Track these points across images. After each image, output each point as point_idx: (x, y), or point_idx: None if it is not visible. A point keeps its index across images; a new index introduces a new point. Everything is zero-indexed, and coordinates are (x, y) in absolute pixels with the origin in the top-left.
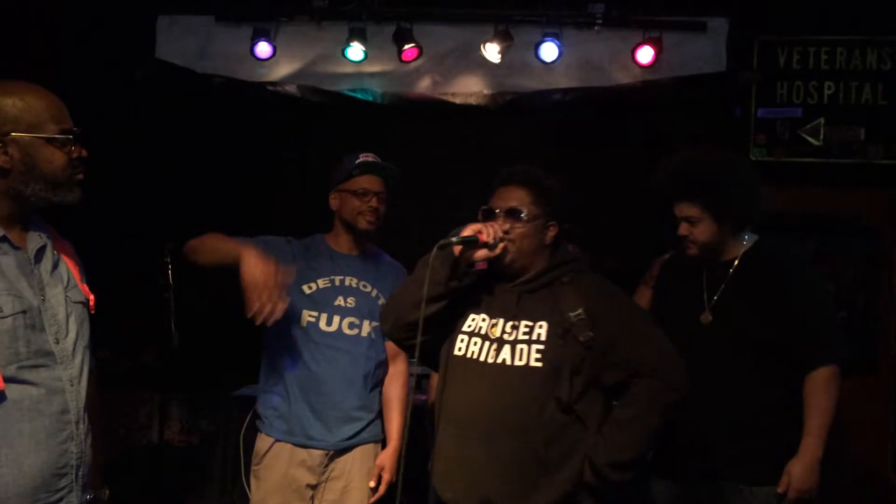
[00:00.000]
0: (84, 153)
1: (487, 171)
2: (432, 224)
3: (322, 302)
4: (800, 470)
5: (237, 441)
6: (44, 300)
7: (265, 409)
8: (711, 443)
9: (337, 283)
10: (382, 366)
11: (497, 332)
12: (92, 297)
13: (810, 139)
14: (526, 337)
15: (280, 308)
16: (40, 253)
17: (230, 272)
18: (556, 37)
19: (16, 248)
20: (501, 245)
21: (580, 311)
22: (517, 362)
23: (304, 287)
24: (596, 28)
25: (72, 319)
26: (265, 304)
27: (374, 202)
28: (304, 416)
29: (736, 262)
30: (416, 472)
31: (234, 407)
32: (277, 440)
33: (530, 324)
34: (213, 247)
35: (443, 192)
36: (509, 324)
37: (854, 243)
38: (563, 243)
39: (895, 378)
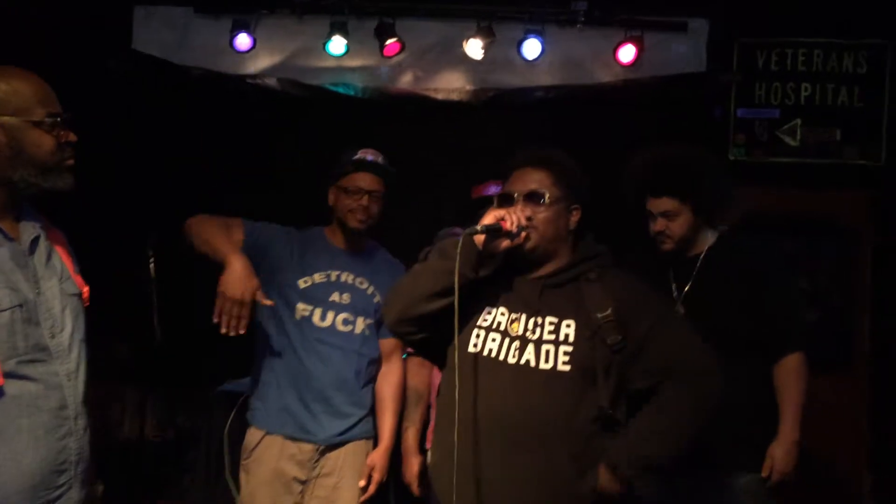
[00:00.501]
0: (73, 137)
1: (469, 168)
2: (412, 219)
3: (317, 297)
4: (781, 452)
5: (221, 437)
6: (39, 293)
7: (256, 400)
8: None
9: (333, 278)
10: (375, 363)
11: (518, 329)
12: (86, 288)
13: (787, 139)
14: (552, 336)
15: (243, 325)
16: (34, 244)
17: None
18: (538, 34)
19: (10, 239)
20: (524, 234)
21: (608, 311)
22: (543, 365)
23: (300, 281)
24: (578, 26)
25: (67, 312)
26: (231, 319)
27: (364, 201)
28: (295, 408)
29: (702, 256)
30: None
31: (218, 402)
32: (268, 433)
33: (555, 321)
34: (206, 237)
35: (424, 188)
36: (532, 320)
37: (830, 244)
38: (588, 232)
39: (869, 377)
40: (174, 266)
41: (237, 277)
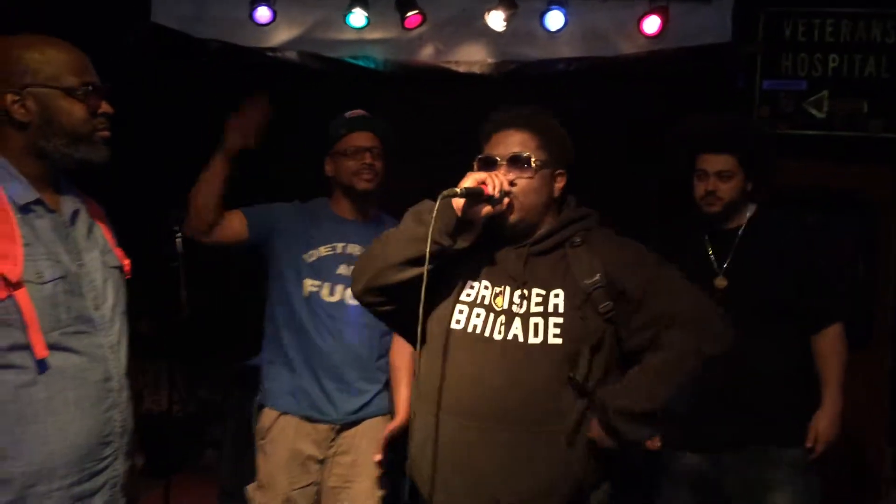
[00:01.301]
0: (109, 108)
1: None
2: (433, 193)
3: (324, 271)
4: (825, 423)
5: (246, 412)
6: (81, 265)
7: (269, 381)
8: (737, 408)
9: (339, 250)
10: (388, 335)
11: (503, 303)
12: (127, 262)
13: (814, 112)
14: (540, 309)
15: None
16: (75, 216)
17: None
18: (561, 5)
19: (50, 211)
20: (507, 200)
21: (597, 276)
22: (532, 339)
23: (306, 255)
24: None
25: (109, 285)
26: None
27: (367, 158)
28: (309, 388)
29: (743, 227)
30: None
31: (247, 376)
32: (283, 413)
33: (543, 292)
34: (199, 188)
35: (445, 162)
36: (517, 293)
37: (854, 218)
38: (571, 198)
39: (892, 352)
40: (225, 247)
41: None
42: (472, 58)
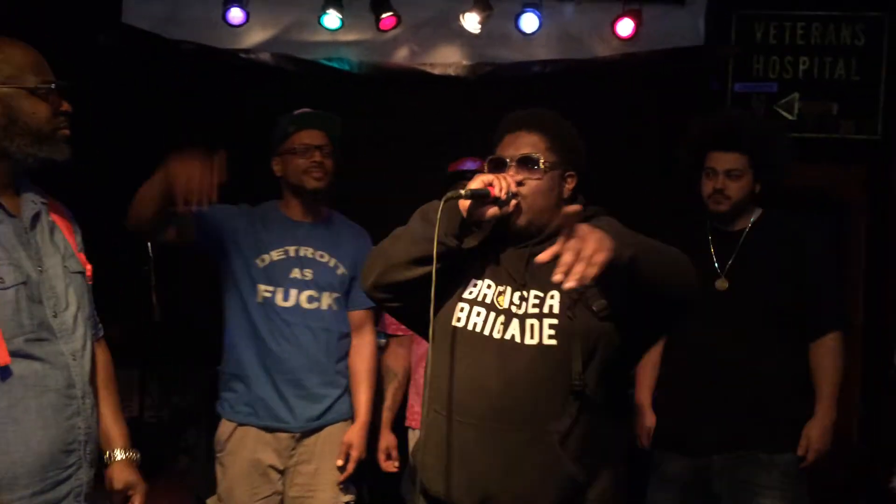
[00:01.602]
0: (68, 107)
1: (465, 142)
2: (410, 196)
3: (277, 276)
4: (818, 433)
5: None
6: (42, 271)
7: (226, 391)
8: (729, 412)
9: (291, 253)
10: (346, 337)
11: (504, 303)
12: (89, 266)
13: (785, 114)
14: (536, 310)
15: (212, 191)
16: (35, 220)
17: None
18: (536, 8)
19: (11, 215)
20: (514, 202)
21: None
22: (528, 340)
23: (257, 260)
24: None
25: (70, 290)
26: (195, 189)
27: (317, 157)
28: (267, 397)
29: (747, 230)
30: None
31: (215, 383)
32: (240, 424)
33: (541, 294)
34: (142, 194)
35: (420, 164)
36: (517, 294)
37: (825, 218)
38: (581, 198)
39: (862, 350)
40: (172, 246)
41: (180, 159)
42: (448, 60)
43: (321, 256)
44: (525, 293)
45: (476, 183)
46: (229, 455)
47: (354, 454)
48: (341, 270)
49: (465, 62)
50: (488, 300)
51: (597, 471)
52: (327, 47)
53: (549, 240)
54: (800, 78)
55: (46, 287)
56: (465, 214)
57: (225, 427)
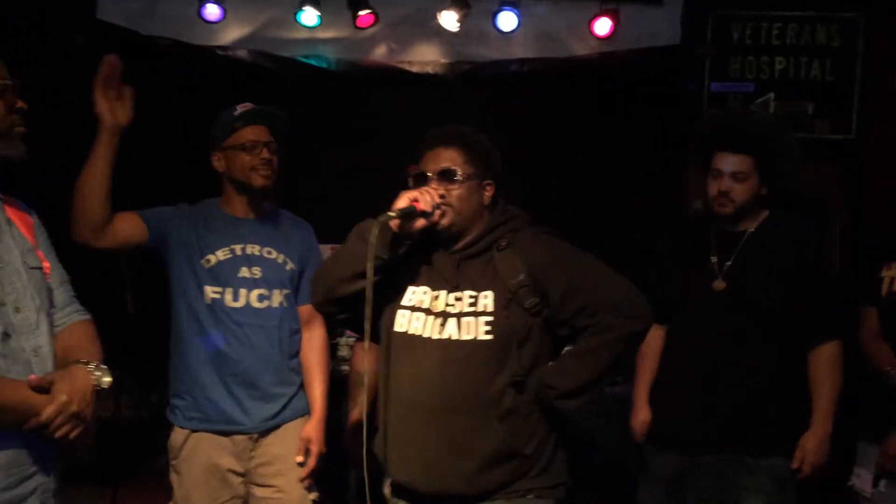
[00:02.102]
0: (23, 104)
1: None
2: (385, 193)
3: (225, 276)
4: (814, 444)
5: None
6: (1, 267)
7: (176, 398)
8: (718, 413)
9: (238, 252)
10: (297, 334)
11: (440, 306)
12: (47, 263)
13: None
14: (472, 308)
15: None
16: None
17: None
18: (513, 6)
19: None
20: (439, 212)
21: (521, 276)
22: (465, 336)
23: (203, 261)
24: None
25: (31, 286)
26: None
27: (265, 153)
28: (221, 400)
29: (750, 232)
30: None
31: None
32: (193, 431)
33: (475, 294)
34: (82, 173)
35: (397, 162)
36: (452, 295)
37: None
38: (501, 202)
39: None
40: (121, 251)
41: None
42: (426, 58)
43: (269, 253)
44: (459, 294)
45: (403, 202)
46: (184, 462)
47: (314, 449)
48: (290, 266)
49: (443, 60)
50: (425, 305)
51: (539, 445)
52: (305, 44)
53: (472, 245)
54: (776, 78)
55: (7, 283)
56: (396, 230)
57: (177, 434)
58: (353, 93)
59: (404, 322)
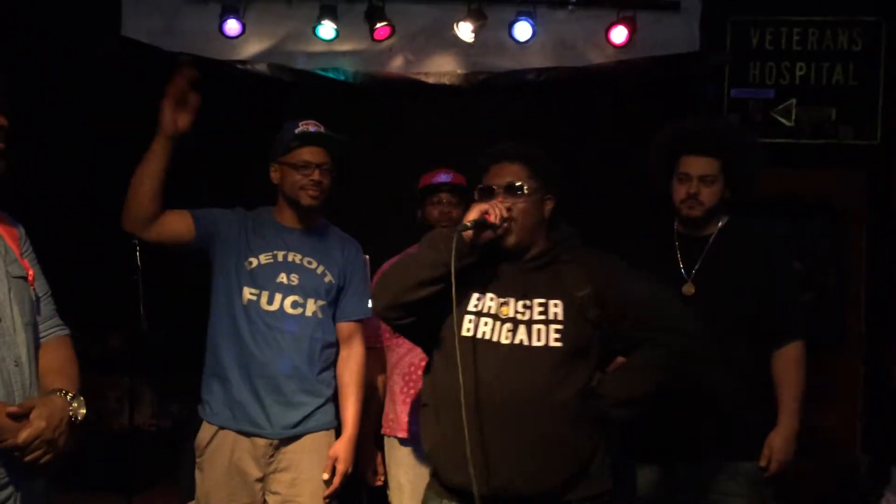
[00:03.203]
0: (4, 122)
1: (461, 151)
2: (405, 204)
3: (263, 279)
4: (780, 443)
5: None
6: None
7: (206, 394)
8: (693, 420)
9: (280, 258)
10: (332, 347)
11: (509, 312)
12: (31, 271)
13: (782, 120)
14: (542, 317)
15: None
16: None
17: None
18: (529, 16)
19: None
20: (506, 225)
21: (588, 289)
22: (535, 343)
23: (246, 263)
24: (570, 7)
25: (12, 296)
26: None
27: (316, 175)
28: (245, 401)
29: (714, 236)
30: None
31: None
32: (221, 427)
33: (544, 302)
34: (135, 176)
35: (416, 172)
36: (521, 303)
37: (824, 224)
38: (558, 216)
39: (863, 359)
40: (160, 256)
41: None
42: (442, 69)
43: (309, 263)
44: (528, 301)
45: (474, 213)
46: (208, 460)
47: (341, 468)
48: (329, 278)
49: (459, 71)
50: (493, 311)
51: (595, 446)
52: (323, 58)
53: (539, 257)
54: (797, 84)
55: None
56: (468, 240)
57: (206, 431)
58: (370, 104)
59: (472, 327)
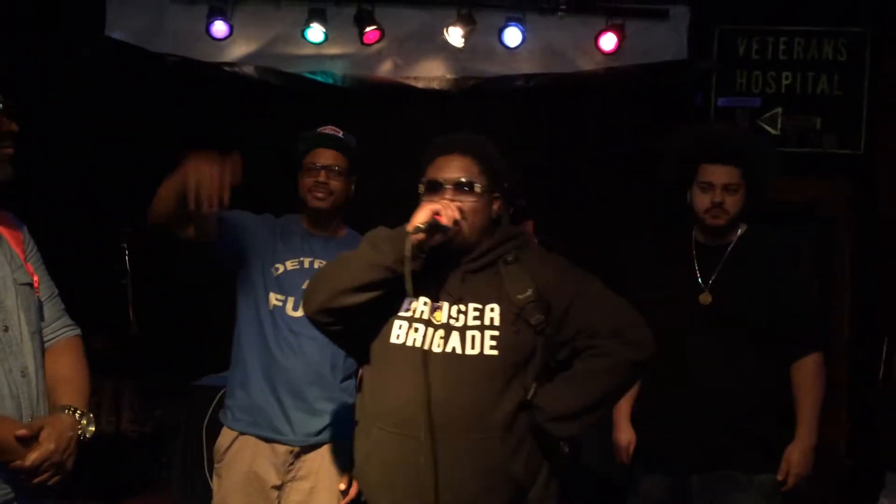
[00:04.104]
0: (14, 127)
1: None
2: (392, 209)
3: (289, 285)
4: (798, 456)
5: (199, 431)
6: None
7: (229, 399)
8: (707, 430)
9: (305, 265)
10: None
11: (442, 318)
12: (36, 278)
13: (768, 128)
14: (477, 322)
15: (224, 195)
16: None
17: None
18: (519, 21)
19: None
20: (456, 227)
21: (529, 292)
22: (469, 351)
23: (272, 269)
24: (559, 14)
25: (20, 304)
26: (206, 190)
27: (322, 177)
28: (268, 406)
29: (732, 245)
30: None
31: (196, 396)
32: (241, 433)
33: (479, 307)
34: (161, 193)
35: (403, 177)
36: (455, 307)
37: (810, 231)
38: (505, 217)
39: (849, 365)
40: (150, 259)
41: (199, 158)
42: (432, 73)
43: None
44: (463, 306)
45: (425, 214)
46: (226, 467)
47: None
48: None
49: (448, 76)
50: (425, 316)
51: (536, 470)
52: (311, 61)
53: (479, 258)
54: (783, 93)
55: None
56: (415, 244)
57: (225, 436)
58: (359, 108)
59: (402, 333)
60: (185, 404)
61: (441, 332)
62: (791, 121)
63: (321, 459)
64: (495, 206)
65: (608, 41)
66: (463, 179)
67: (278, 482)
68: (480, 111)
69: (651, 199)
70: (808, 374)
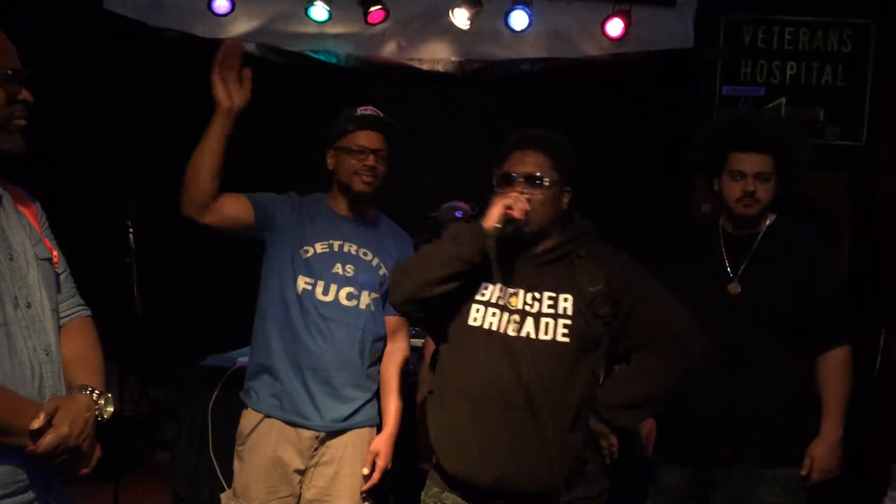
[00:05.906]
0: (28, 96)
1: (452, 140)
2: (395, 191)
3: (319, 269)
4: (823, 451)
5: (205, 412)
6: (11, 258)
7: (253, 381)
8: (731, 424)
9: (336, 248)
10: (381, 341)
11: (517, 303)
12: (55, 252)
13: None
14: (551, 311)
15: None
16: None
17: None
18: (526, 5)
19: None
20: (525, 218)
21: (601, 285)
22: (542, 336)
23: (301, 251)
24: None
25: (40, 279)
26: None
27: (370, 160)
28: (294, 391)
29: (761, 235)
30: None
31: (200, 377)
32: (266, 416)
33: (553, 296)
34: (193, 158)
35: (406, 160)
36: (530, 295)
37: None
38: (574, 211)
39: None
40: (154, 237)
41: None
42: (436, 55)
43: (364, 254)
44: (538, 294)
45: (498, 209)
46: (249, 450)
47: (381, 463)
48: (383, 271)
49: (453, 58)
50: (502, 302)
51: (593, 449)
52: (314, 39)
53: (553, 250)
54: (787, 82)
55: (18, 276)
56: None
57: (249, 419)
58: (361, 89)
59: (479, 317)
60: (181, 384)
61: (516, 317)
62: (794, 111)
63: (345, 445)
64: (565, 200)
65: (615, 27)
66: (534, 173)
67: (302, 467)
68: (484, 94)
69: (651, 186)
70: (836, 367)
